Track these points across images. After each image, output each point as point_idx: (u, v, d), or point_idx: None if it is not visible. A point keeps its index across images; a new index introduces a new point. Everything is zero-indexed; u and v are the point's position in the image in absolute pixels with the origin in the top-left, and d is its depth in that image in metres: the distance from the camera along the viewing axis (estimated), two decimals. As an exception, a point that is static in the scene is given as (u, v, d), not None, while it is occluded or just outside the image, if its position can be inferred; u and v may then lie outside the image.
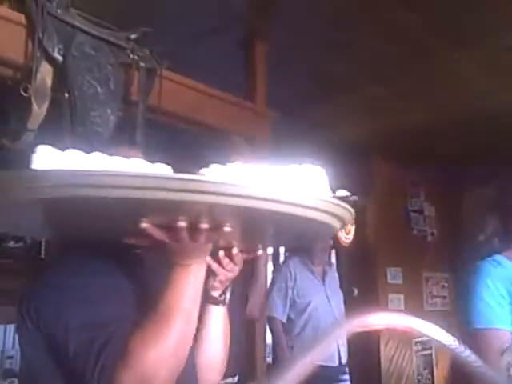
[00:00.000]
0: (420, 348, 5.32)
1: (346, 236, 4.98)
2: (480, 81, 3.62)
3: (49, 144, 0.90)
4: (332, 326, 0.38)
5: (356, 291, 4.97)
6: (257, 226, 1.03)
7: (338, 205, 0.91)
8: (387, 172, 5.39)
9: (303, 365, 0.37)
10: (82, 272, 1.08)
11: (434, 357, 5.49)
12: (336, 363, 3.37)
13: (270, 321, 3.37)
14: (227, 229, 0.93)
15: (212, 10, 2.76)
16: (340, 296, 3.66)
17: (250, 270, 2.12)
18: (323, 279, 3.60)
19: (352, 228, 4.98)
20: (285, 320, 3.43)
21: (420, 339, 5.30)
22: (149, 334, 0.95)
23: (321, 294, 3.48)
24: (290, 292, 3.44)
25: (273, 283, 3.51)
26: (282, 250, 7.18)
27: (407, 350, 5.17)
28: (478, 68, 3.44)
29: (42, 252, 5.66)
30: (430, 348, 5.45)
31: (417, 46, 3.21)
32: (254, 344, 2.21)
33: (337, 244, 5.09)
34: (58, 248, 1.20)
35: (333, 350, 3.33)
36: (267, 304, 3.45)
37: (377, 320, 0.40)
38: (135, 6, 2.64)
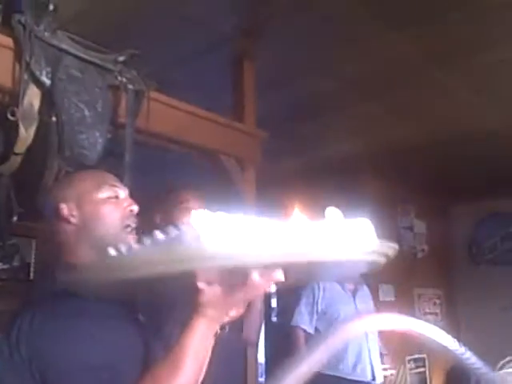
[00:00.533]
0: (414, 366, 5.29)
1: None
2: (467, 99, 3.66)
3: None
4: (331, 330, 0.37)
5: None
6: (309, 273, 1.09)
7: (386, 245, 0.98)
8: (376, 190, 5.41)
9: (302, 370, 0.37)
10: (85, 311, 1.05)
11: (427, 374, 5.46)
12: (368, 378, 3.35)
13: (293, 331, 3.39)
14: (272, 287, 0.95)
15: (200, 31, 2.77)
16: (371, 311, 3.61)
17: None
18: (353, 292, 3.57)
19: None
20: (312, 331, 3.38)
21: (413, 357, 5.28)
22: (161, 374, 0.97)
23: (350, 307, 3.44)
24: (318, 304, 3.41)
25: (299, 298, 3.49)
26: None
27: (401, 368, 5.14)
28: (466, 87, 3.48)
29: (31, 274, 5.61)
30: (424, 366, 5.43)
31: (404, 65, 3.25)
32: (246, 364, 2.19)
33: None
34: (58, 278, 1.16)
35: (364, 364, 3.30)
36: (295, 319, 3.45)
37: (378, 323, 0.40)
38: (123, 29, 2.65)
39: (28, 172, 1.67)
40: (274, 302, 7.09)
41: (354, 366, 3.31)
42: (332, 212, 0.97)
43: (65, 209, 1.22)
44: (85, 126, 1.82)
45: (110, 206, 1.25)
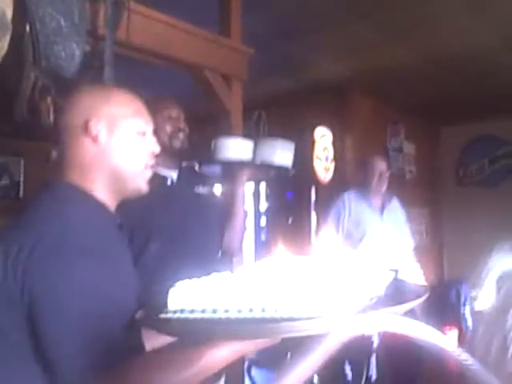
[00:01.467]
0: None
1: (325, 173, 5.00)
2: (460, 18, 3.56)
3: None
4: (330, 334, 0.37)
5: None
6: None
7: None
8: (367, 110, 5.37)
9: (300, 371, 0.37)
10: (91, 250, 0.97)
11: None
12: None
13: None
14: None
15: None
16: (399, 229, 3.54)
17: (227, 205, 2.12)
18: (381, 211, 3.50)
19: (331, 165, 5.00)
20: None
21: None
22: (166, 366, 0.91)
23: (377, 226, 3.41)
24: (343, 223, 3.42)
25: (328, 216, 3.50)
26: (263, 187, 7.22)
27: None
28: (459, 5, 3.38)
29: (21, 192, 5.64)
30: None
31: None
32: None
33: (316, 181, 5.12)
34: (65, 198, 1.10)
35: None
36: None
37: (374, 325, 0.39)
38: None
39: (4, 84, 1.64)
40: (263, 221, 7.21)
41: None
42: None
43: (96, 125, 1.12)
44: (61, 37, 1.77)
45: (139, 141, 1.17)
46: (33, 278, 0.92)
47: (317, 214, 6.63)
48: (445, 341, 0.38)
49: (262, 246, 7.12)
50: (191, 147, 2.00)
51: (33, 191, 5.70)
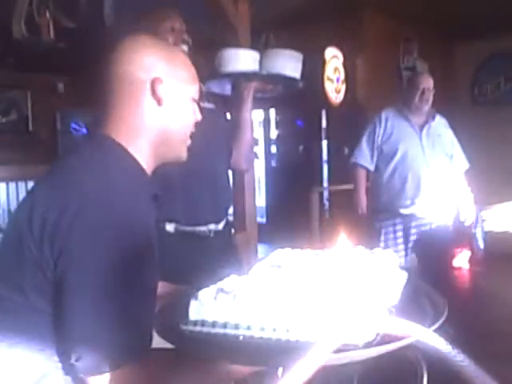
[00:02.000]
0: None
1: (337, 95, 4.89)
2: None
3: None
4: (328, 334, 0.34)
5: (346, 150, 4.98)
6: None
7: None
8: (380, 28, 5.18)
9: (304, 369, 0.34)
10: (134, 229, 0.91)
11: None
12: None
13: (353, 168, 3.33)
14: None
15: None
16: (441, 149, 3.33)
17: (235, 120, 2.06)
18: (421, 129, 3.29)
19: (342, 87, 4.89)
20: (372, 168, 3.31)
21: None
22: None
23: (413, 143, 3.23)
24: (378, 139, 3.27)
25: (364, 132, 3.34)
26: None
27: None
28: None
29: (30, 126, 5.62)
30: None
31: None
32: (244, 192, 2.23)
33: (327, 104, 5.03)
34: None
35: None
36: (355, 155, 3.34)
37: (373, 327, 0.36)
38: None
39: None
40: (273, 148, 7.16)
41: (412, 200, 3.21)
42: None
43: (163, 87, 1.03)
44: None
45: (192, 108, 1.11)
46: (70, 252, 0.86)
47: (328, 142, 6.58)
48: (443, 343, 0.35)
49: (273, 172, 7.12)
50: (197, 69, 1.92)
51: (42, 125, 5.67)
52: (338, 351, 0.68)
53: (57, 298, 0.86)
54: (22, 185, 4.59)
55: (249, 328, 0.79)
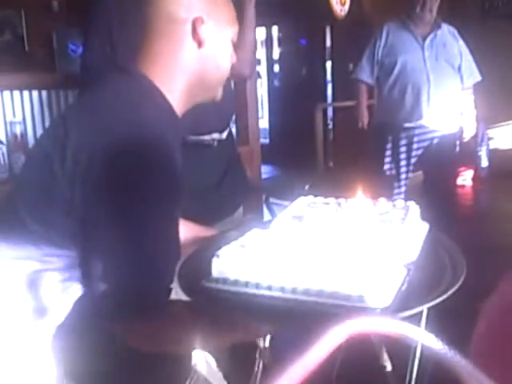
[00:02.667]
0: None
1: (341, 7, 4.70)
2: None
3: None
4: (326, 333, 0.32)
5: (351, 67, 4.86)
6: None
7: None
8: None
9: (300, 368, 0.31)
10: (162, 168, 0.88)
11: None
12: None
13: (355, 83, 3.30)
14: None
15: None
16: (446, 60, 3.20)
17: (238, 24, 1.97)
18: (424, 40, 3.16)
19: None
20: (372, 82, 3.26)
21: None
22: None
23: (415, 55, 3.14)
24: (378, 53, 3.20)
25: (367, 46, 3.34)
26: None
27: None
28: None
29: (26, 46, 5.48)
30: None
31: None
32: (246, 101, 2.19)
33: (331, 18, 4.86)
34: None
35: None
36: (356, 71, 3.29)
37: (366, 326, 0.33)
38: None
39: None
40: (276, 67, 7.01)
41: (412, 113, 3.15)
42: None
43: (206, 28, 0.98)
44: None
45: (229, 51, 1.05)
46: (102, 187, 0.85)
47: (332, 61, 6.41)
48: (438, 343, 0.32)
49: (276, 92, 7.00)
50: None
51: (38, 45, 5.54)
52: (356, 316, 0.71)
53: (85, 234, 0.85)
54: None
55: (269, 288, 0.80)
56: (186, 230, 1.09)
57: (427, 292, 0.78)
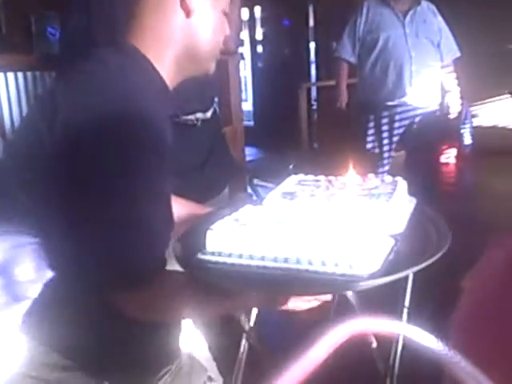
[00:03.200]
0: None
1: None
2: None
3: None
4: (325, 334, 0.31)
5: (335, 45, 4.84)
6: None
7: None
8: None
9: (300, 368, 0.30)
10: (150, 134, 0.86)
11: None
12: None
13: (336, 61, 3.30)
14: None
15: None
16: (427, 37, 3.20)
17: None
18: (404, 16, 3.16)
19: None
20: (353, 60, 3.24)
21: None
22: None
23: (396, 31, 3.14)
24: (359, 30, 3.19)
25: (347, 24, 3.30)
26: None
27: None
28: None
29: (3, 28, 5.37)
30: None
31: None
32: (228, 81, 2.17)
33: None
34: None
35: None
36: (337, 49, 3.30)
37: (361, 326, 0.31)
38: None
39: None
40: (259, 48, 6.96)
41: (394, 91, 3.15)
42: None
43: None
44: None
45: (223, 22, 1.02)
46: (90, 156, 0.83)
47: (316, 41, 6.37)
48: (434, 340, 0.31)
49: (260, 73, 6.96)
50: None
51: (15, 28, 5.42)
52: (343, 282, 0.78)
53: (74, 206, 0.83)
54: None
55: (262, 258, 0.83)
56: (181, 208, 1.09)
57: (413, 259, 0.82)
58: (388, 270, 0.80)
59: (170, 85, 0.99)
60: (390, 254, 0.83)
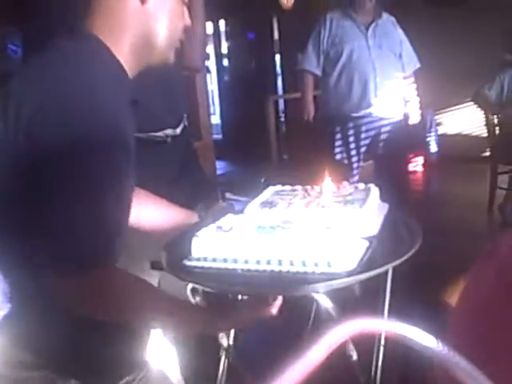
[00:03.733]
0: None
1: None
2: None
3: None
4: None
5: (300, 57, 4.88)
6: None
7: None
8: None
9: (298, 369, 0.29)
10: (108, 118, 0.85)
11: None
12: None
13: (300, 74, 3.30)
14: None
15: None
16: (389, 48, 3.26)
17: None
18: (367, 28, 3.21)
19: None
20: (319, 72, 3.26)
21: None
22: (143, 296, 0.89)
23: (359, 44, 3.17)
24: (324, 42, 3.21)
25: (310, 36, 3.27)
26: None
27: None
28: None
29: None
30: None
31: None
32: (196, 96, 2.16)
33: (279, 8, 4.84)
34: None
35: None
36: (302, 61, 3.31)
37: (359, 326, 0.31)
38: None
39: None
40: (225, 62, 6.97)
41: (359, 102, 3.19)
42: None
43: None
44: None
45: (181, 10, 1.02)
46: (45, 149, 0.82)
47: (281, 54, 6.42)
48: (432, 340, 0.31)
49: (226, 87, 6.97)
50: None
51: None
52: (323, 280, 0.83)
53: (30, 195, 0.82)
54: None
55: (246, 262, 0.88)
56: (177, 214, 1.17)
57: (388, 258, 0.89)
58: (364, 267, 0.85)
59: (130, 73, 0.98)
60: (365, 253, 0.89)
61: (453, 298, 0.51)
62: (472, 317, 0.46)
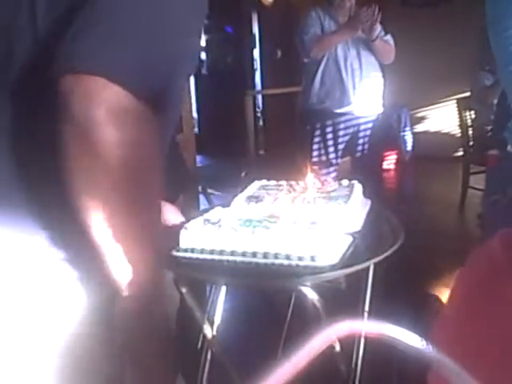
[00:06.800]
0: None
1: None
2: None
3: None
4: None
5: (279, 53, 4.89)
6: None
7: None
8: None
9: (289, 367, 0.30)
10: None
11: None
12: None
13: (309, 41, 3.16)
14: None
15: None
16: (368, 48, 3.23)
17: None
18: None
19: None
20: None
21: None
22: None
23: (341, 45, 3.21)
24: (319, 22, 3.18)
25: (303, 23, 3.21)
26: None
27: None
28: None
29: None
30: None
31: None
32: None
33: (259, 4, 4.85)
34: None
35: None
36: None
37: (346, 328, 0.32)
38: None
39: None
40: (203, 55, 6.93)
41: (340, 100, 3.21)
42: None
43: None
44: None
45: None
46: None
47: (260, 48, 6.40)
48: (421, 342, 0.32)
49: (203, 81, 6.93)
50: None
51: None
52: (309, 274, 0.84)
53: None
54: None
55: (232, 254, 0.90)
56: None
57: (370, 253, 0.91)
58: (347, 262, 0.88)
59: None
60: (348, 248, 0.91)
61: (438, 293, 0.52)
62: (465, 309, 0.48)
